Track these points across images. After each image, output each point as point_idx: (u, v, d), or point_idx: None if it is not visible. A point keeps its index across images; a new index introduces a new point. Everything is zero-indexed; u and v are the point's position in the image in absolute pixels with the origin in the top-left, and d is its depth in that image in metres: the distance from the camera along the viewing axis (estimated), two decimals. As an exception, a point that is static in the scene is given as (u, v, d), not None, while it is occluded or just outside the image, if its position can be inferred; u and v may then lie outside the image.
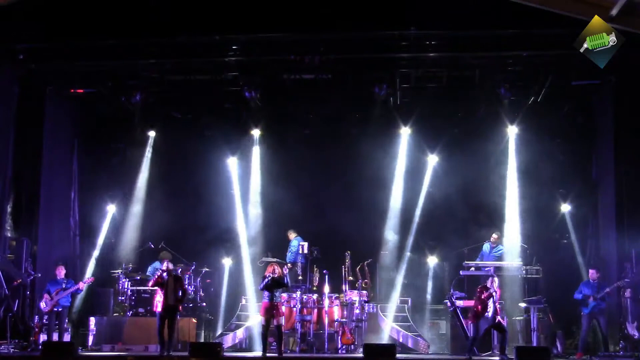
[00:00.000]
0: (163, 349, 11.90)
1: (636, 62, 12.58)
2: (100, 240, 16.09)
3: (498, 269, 13.93)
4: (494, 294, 11.83)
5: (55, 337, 12.91)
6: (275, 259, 14.76)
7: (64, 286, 13.08)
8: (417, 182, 16.06)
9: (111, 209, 16.35)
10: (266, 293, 11.96)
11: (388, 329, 13.42)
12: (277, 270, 12.13)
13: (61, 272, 13.27)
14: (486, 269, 13.89)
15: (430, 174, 16.06)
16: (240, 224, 16.32)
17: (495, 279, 12.16)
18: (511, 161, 15.40)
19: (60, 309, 13.01)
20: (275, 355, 11.80)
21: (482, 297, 11.79)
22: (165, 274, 12.14)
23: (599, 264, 13.99)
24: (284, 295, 12.47)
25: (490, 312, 11.74)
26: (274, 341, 12.38)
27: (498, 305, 11.99)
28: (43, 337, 12.94)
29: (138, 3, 12.39)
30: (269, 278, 11.98)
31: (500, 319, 11.98)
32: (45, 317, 13.06)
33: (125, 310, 14.27)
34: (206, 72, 14.79)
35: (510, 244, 14.70)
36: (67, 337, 13.32)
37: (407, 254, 15.41)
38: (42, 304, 12.99)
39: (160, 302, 12.01)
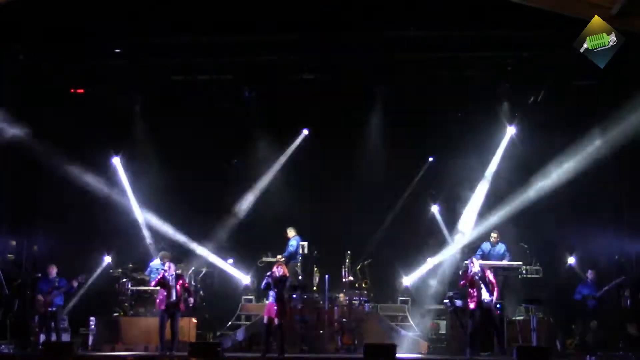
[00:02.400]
0: (164, 349, 11.92)
1: (636, 62, 12.58)
2: (101, 240, 16.09)
3: (499, 269, 13.92)
4: (479, 273, 11.69)
5: (52, 337, 12.85)
6: (275, 259, 14.77)
7: (56, 284, 13.04)
8: (417, 182, 16.06)
9: (111, 209, 16.32)
10: (271, 293, 11.97)
11: (388, 329, 13.40)
12: (283, 269, 12.13)
13: (52, 271, 13.20)
14: (486, 268, 13.88)
15: (430, 174, 16.07)
16: (240, 223, 16.33)
17: (474, 259, 11.98)
18: (511, 161, 15.41)
19: (54, 309, 12.96)
20: (276, 355, 11.81)
21: (468, 280, 11.69)
22: (167, 273, 12.19)
23: (598, 263, 14.00)
24: (284, 295, 12.48)
25: (485, 296, 11.63)
26: (274, 341, 12.39)
27: (494, 284, 11.81)
28: (43, 337, 12.91)
29: (138, 3, 12.38)
30: (268, 279, 11.98)
31: (492, 307, 11.83)
32: (36, 317, 13.01)
33: (125, 310, 14.26)
34: (206, 72, 14.79)
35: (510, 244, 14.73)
36: (66, 337, 13.31)
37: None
38: (37, 305, 12.96)
39: (162, 301, 12.05)
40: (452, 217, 15.84)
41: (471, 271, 11.74)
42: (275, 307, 11.86)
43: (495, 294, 11.75)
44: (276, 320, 11.87)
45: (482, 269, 11.84)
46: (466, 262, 13.02)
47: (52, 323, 12.90)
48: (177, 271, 13.61)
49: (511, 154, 15.53)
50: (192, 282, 14.56)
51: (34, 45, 13.50)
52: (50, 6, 12.20)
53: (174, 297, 12.11)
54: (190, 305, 12.77)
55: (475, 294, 11.63)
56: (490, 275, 11.80)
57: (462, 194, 15.74)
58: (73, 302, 14.38)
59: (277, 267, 12.16)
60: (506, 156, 15.52)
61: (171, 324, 12.05)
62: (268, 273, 12.15)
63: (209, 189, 16.31)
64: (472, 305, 11.81)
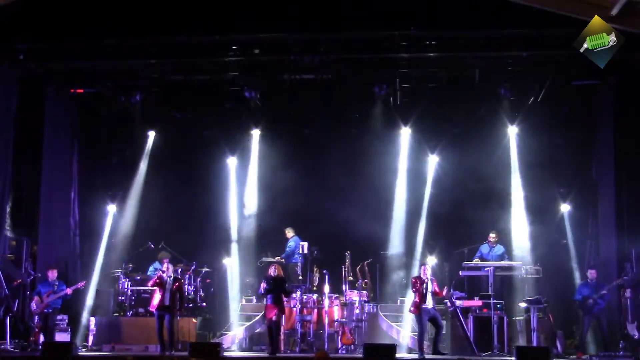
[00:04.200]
0: (163, 349, 11.91)
1: (636, 62, 12.58)
2: (101, 240, 16.12)
3: (498, 269, 13.92)
4: (427, 282, 11.84)
5: (42, 337, 12.82)
6: (275, 259, 14.78)
7: (55, 288, 13.01)
8: (417, 183, 16.06)
9: (111, 209, 16.36)
10: (269, 296, 11.96)
11: (388, 329, 13.40)
12: (277, 271, 12.13)
13: (53, 274, 13.17)
14: (486, 269, 13.88)
15: (431, 174, 16.07)
16: (240, 223, 16.34)
17: (428, 267, 12.16)
18: (511, 161, 15.42)
19: (50, 310, 12.92)
20: (278, 355, 11.83)
21: (418, 287, 11.83)
22: (164, 274, 12.16)
23: (599, 264, 13.99)
24: (282, 296, 12.48)
25: (428, 304, 11.79)
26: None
27: (438, 291, 12.00)
28: (43, 337, 12.91)
29: (138, 3, 12.38)
30: (268, 281, 11.96)
31: (437, 313, 12.01)
32: (36, 318, 13.01)
33: (125, 310, 14.26)
34: (206, 72, 14.77)
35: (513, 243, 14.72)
36: (66, 337, 13.31)
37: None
38: (33, 305, 12.93)
39: (156, 302, 12.03)
40: (452, 217, 15.85)
41: (425, 277, 11.85)
42: (275, 308, 11.86)
43: (431, 302, 11.94)
44: (274, 319, 11.89)
45: (430, 279, 12.03)
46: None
47: (46, 323, 12.88)
48: (178, 271, 13.66)
49: (511, 153, 15.54)
50: (192, 282, 14.57)
51: (34, 45, 13.47)
52: (50, 6, 12.20)
53: (168, 299, 12.09)
54: (179, 307, 12.68)
55: (417, 300, 11.80)
56: (435, 286, 11.98)
57: (463, 194, 15.76)
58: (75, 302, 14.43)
59: (272, 269, 12.16)
60: (506, 156, 15.51)
61: (168, 325, 12.01)
62: (264, 280, 12.15)
63: (208, 190, 16.33)
64: (412, 311, 12.03)
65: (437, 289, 12.11)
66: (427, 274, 12.07)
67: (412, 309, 12.12)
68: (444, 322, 12.62)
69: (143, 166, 16.31)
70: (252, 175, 16.40)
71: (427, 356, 12.25)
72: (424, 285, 11.89)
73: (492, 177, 15.44)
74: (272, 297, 11.96)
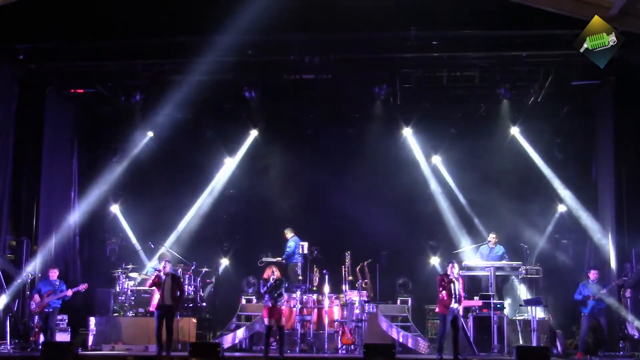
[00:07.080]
0: (161, 349, 11.89)
1: (636, 62, 12.59)
2: (101, 241, 16.14)
3: (498, 269, 13.92)
4: (455, 280, 11.66)
5: (42, 337, 12.82)
6: (275, 259, 14.78)
7: (55, 288, 13.00)
8: (418, 183, 16.08)
9: (111, 209, 16.35)
10: (268, 296, 11.94)
11: (388, 329, 13.40)
12: (277, 272, 12.11)
13: (53, 274, 13.17)
14: (486, 268, 13.88)
15: (431, 175, 16.07)
16: (240, 223, 16.34)
17: (456, 264, 11.85)
18: (511, 161, 15.43)
19: (50, 310, 12.92)
20: (277, 355, 11.82)
21: (444, 285, 11.61)
22: (162, 274, 12.14)
23: (599, 264, 14.00)
24: (284, 295, 12.48)
25: (455, 304, 11.61)
26: (274, 341, 12.40)
27: (462, 293, 11.75)
28: (43, 337, 12.91)
29: (137, 3, 12.37)
30: (272, 282, 11.93)
31: (459, 314, 11.76)
32: (36, 317, 13.02)
33: (125, 310, 14.27)
34: (206, 72, 14.77)
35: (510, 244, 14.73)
36: (66, 337, 13.31)
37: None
38: (32, 304, 12.91)
39: (156, 302, 12.01)
40: (453, 218, 15.86)
41: (453, 275, 11.69)
42: (271, 309, 11.83)
43: (461, 303, 11.72)
44: (276, 322, 11.87)
45: (458, 277, 11.83)
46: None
47: (47, 323, 12.88)
48: (178, 270, 13.62)
49: (511, 153, 15.56)
50: (192, 282, 14.56)
51: (34, 45, 13.48)
52: (50, 6, 12.19)
53: (168, 299, 12.07)
54: (185, 296, 12.60)
55: (445, 298, 11.60)
56: (461, 287, 11.79)
57: (464, 194, 15.78)
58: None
59: (271, 271, 12.11)
60: (506, 156, 15.53)
61: (166, 324, 12.01)
62: (267, 277, 12.09)
63: (208, 190, 16.34)
64: (439, 309, 11.77)
65: (461, 291, 11.74)
66: (455, 272, 11.68)
67: (439, 307, 11.75)
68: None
69: (143, 166, 16.31)
70: (252, 175, 16.40)
71: (425, 356, 12.28)
72: (452, 284, 11.58)
73: (492, 177, 15.46)
74: (271, 299, 11.89)
